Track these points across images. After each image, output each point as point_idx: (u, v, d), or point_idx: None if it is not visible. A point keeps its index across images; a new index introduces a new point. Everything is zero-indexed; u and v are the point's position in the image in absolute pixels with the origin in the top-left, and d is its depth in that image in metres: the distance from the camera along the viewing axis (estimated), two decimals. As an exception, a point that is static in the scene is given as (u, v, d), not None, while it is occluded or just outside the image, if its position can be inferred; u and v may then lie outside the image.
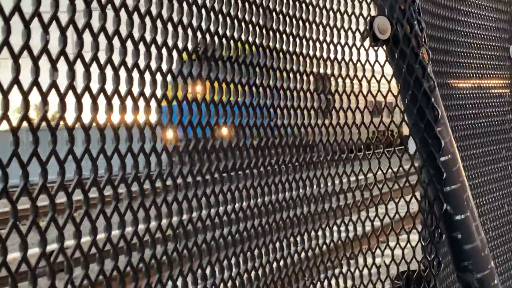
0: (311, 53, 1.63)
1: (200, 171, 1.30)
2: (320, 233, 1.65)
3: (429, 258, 1.82)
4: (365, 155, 1.75)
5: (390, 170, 1.81)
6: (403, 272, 1.83)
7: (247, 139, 1.52)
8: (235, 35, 1.44)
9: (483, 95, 2.35)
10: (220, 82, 1.38)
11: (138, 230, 1.13)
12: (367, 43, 1.76)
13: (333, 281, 1.67)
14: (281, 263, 1.56)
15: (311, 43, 1.61)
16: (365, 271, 1.75)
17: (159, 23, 1.21)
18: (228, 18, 1.41)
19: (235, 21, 1.43)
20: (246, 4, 1.46)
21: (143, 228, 1.13)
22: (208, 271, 1.36)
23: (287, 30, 1.59)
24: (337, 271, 1.72)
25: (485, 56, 2.37)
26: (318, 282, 1.63)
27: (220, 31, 1.42)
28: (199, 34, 1.30)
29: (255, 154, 1.52)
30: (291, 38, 1.58)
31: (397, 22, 1.77)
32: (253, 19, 1.48)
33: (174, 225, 1.23)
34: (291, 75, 1.60)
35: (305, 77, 1.64)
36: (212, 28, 1.35)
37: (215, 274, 1.36)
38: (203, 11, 1.31)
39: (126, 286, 1.08)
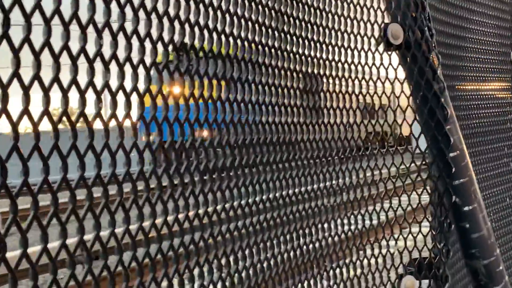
0: (330, 57, 1.65)
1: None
2: (339, 222, 1.67)
3: (439, 246, 1.82)
4: (380, 151, 1.76)
5: (402, 166, 1.83)
6: (415, 259, 1.82)
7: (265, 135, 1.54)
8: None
9: (487, 96, 2.36)
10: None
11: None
12: (381, 48, 1.76)
13: (351, 267, 1.69)
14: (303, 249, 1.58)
15: (330, 48, 1.63)
16: (380, 259, 1.77)
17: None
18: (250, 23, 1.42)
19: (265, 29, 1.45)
20: (273, 12, 1.47)
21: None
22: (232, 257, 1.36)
23: (309, 36, 1.61)
24: (354, 258, 1.73)
25: (489, 60, 2.37)
26: (338, 267, 1.65)
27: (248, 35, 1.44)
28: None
29: (277, 149, 1.55)
30: (312, 44, 1.59)
31: (409, 28, 1.77)
32: (280, 26, 1.50)
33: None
34: (313, 78, 1.62)
35: (325, 80, 1.66)
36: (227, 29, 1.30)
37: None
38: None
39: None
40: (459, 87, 2.10)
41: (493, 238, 1.90)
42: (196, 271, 1.17)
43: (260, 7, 1.41)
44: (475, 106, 2.19)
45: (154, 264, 1.08)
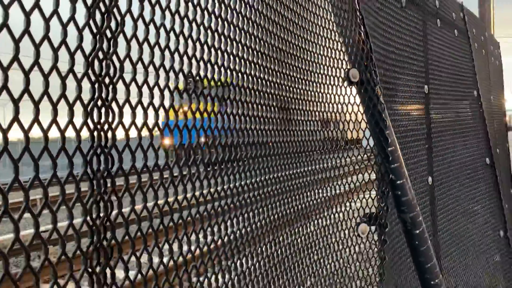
0: (314, 90, 1.78)
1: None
2: (319, 192, 1.79)
3: (381, 205, 1.91)
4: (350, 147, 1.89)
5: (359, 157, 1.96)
6: (366, 213, 1.91)
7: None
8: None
9: (409, 113, 2.49)
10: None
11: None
12: (345, 83, 1.86)
13: (326, 219, 1.81)
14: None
15: (312, 84, 1.71)
16: (346, 214, 1.88)
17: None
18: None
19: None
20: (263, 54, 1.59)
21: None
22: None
23: (298, 76, 1.72)
24: (327, 214, 1.85)
25: (411, 91, 2.50)
26: (319, 219, 1.75)
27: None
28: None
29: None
30: (302, 81, 1.67)
31: (363, 72, 1.85)
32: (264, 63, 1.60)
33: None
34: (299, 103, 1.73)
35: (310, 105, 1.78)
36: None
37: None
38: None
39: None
40: (393, 107, 2.17)
41: (415, 200, 1.97)
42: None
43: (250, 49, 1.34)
44: (402, 120, 2.30)
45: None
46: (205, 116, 1.11)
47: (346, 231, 1.85)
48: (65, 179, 0.74)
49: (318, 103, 1.77)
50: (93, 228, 0.78)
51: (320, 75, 1.79)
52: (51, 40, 0.67)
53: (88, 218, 0.78)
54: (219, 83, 1.17)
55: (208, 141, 1.13)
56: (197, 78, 1.08)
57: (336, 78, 1.85)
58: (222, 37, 1.18)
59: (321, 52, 1.80)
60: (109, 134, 0.76)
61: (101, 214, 0.76)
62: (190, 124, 1.03)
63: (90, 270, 0.76)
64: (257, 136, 1.41)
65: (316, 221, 1.76)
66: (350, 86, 1.88)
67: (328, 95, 1.82)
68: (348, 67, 1.88)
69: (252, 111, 1.38)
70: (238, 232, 1.27)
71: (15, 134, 0.67)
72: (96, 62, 0.73)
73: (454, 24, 3.24)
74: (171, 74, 0.91)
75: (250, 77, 1.35)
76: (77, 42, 0.68)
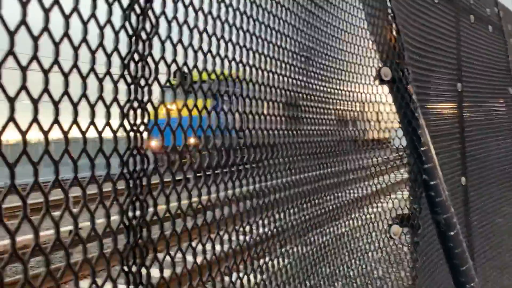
0: (348, 89, 1.76)
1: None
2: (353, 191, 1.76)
3: (414, 206, 1.86)
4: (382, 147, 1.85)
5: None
6: (398, 214, 1.87)
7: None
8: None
9: (443, 112, 2.45)
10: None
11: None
12: (377, 82, 1.84)
13: (359, 219, 1.79)
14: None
15: (347, 84, 1.73)
16: (378, 214, 1.85)
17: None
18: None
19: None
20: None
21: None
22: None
23: (333, 76, 1.71)
24: (361, 213, 1.82)
25: (444, 89, 2.43)
26: (350, 220, 1.72)
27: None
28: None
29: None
30: (338, 81, 1.69)
31: (394, 70, 1.83)
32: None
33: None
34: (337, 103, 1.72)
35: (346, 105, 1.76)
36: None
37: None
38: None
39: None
40: (426, 106, 2.13)
41: (449, 202, 1.93)
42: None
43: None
44: (436, 118, 2.27)
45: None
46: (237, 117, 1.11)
47: (378, 233, 1.81)
48: (102, 179, 0.75)
49: (349, 102, 1.75)
50: (129, 228, 0.79)
51: (351, 74, 1.76)
52: (88, 42, 0.68)
53: (125, 217, 0.79)
54: (251, 83, 1.17)
55: (242, 142, 1.13)
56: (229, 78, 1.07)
57: (367, 77, 1.82)
58: (254, 38, 1.17)
59: (352, 51, 1.77)
60: (145, 135, 0.77)
61: (137, 214, 0.77)
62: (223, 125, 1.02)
63: (126, 269, 0.76)
64: (288, 137, 1.40)
65: (347, 222, 1.74)
66: (382, 85, 1.84)
67: (359, 94, 1.78)
68: (380, 65, 1.85)
69: (283, 111, 1.37)
70: (270, 232, 1.26)
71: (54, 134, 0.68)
72: (132, 64, 0.73)
73: (489, 20, 3.14)
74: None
75: (281, 77, 1.34)
76: (114, 44, 0.69)
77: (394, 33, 1.91)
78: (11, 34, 0.58)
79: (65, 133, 0.64)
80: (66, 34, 0.64)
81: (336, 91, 1.69)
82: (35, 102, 0.61)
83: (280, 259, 1.32)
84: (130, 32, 0.74)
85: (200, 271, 0.96)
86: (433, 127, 2.15)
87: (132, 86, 0.73)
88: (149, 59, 0.76)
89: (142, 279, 0.79)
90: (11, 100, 0.59)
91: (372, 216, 1.80)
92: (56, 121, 0.63)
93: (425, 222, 1.93)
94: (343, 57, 1.76)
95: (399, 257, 1.89)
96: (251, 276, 1.18)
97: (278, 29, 1.34)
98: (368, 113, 1.77)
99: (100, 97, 0.68)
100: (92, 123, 0.69)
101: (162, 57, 0.75)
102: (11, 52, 0.58)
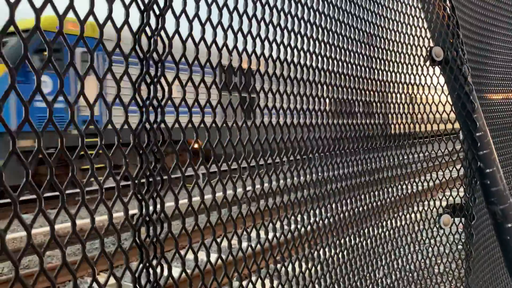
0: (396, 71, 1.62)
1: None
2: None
3: (468, 196, 1.74)
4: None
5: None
6: (450, 204, 1.77)
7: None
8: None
9: (500, 96, 2.25)
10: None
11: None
12: (428, 63, 1.71)
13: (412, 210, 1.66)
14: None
15: (398, 65, 1.59)
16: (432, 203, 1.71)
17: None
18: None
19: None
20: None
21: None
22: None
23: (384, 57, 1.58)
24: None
25: (502, 71, 2.23)
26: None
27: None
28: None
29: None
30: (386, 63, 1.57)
31: (448, 49, 1.69)
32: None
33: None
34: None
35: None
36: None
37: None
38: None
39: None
40: (483, 89, 1.98)
41: (507, 192, 1.79)
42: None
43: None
44: (494, 103, 2.10)
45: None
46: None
47: (427, 222, 1.70)
48: (121, 175, 0.68)
49: (400, 86, 1.62)
50: (149, 223, 0.71)
51: (400, 54, 1.63)
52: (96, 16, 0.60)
53: (144, 212, 0.72)
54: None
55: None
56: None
57: (417, 58, 1.67)
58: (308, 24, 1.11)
59: (401, 30, 1.63)
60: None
61: (158, 209, 0.70)
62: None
63: (147, 263, 0.69)
64: (344, 131, 1.36)
65: (398, 213, 1.63)
66: (433, 66, 1.71)
67: (409, 76, 1.65)
68: (431, 45, 1.71)
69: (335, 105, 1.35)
70: (321, 221, 1.24)
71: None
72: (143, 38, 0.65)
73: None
74: (224, 51, 0.82)
75: (335, 61, 1.30)
76: (124, 18, 0.61)
77: (448, 10, 1.77)
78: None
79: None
80: (71, 7, 0.56)
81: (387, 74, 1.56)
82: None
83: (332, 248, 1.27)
84: (142, 7, 0.65)
85: (225, 266, 0.88)
86: (490, 111, 2.01)
87: (144, 61, 0.65)
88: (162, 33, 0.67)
89: (163, 273, 0.72)
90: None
91: (422, 206, 1.69)
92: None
93: (480, 213, 1.81)
94: (392, 37, 1.62)
95: (450, 249, 1.77)
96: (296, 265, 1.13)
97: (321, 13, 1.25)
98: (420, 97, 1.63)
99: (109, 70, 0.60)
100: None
101: (177, 31, 0.66)
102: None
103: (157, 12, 0.65)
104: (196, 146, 0.76)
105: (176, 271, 0.77)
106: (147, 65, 0.64)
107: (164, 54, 0.65)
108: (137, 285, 0.64)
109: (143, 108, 0.64)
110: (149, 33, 0.64)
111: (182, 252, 0.75)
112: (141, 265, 0.67)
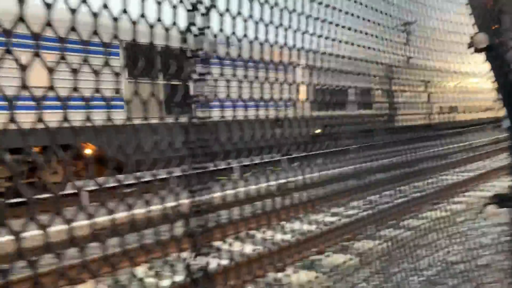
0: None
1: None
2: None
3: None
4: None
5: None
6: (496, 194, 1.71)
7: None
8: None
9: None
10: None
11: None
12: (471, 50, 1.68)
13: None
14: None
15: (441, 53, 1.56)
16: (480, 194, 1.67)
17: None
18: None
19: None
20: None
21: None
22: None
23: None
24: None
25: None
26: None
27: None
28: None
29: None
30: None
31: (492, 36, 1.68)
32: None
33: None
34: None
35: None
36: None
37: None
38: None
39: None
40: None
41: None
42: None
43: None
44: None
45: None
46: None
47: (471, 212, 1.66)
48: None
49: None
50: (198, 214, 0.73)
51: (439, 42, 1.60)
52: None
53: (195, 202, 0.74)
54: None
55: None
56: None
57: (459, 45, 1.63)
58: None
59: (441, 17, 1.60)
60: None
61: (203, 204, 0.71)
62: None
63: (191, 255, 0.71)
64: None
65: (441, 203, 1.60)
66: (476, 53, 1.63)
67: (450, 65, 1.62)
68: (474, 31, 1.63)
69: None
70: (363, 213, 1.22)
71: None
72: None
73: None
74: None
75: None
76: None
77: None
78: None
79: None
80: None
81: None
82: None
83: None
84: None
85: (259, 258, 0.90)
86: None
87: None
88: None
89: (206, 265, 0.74)
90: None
91: (467, 196, 1.65)
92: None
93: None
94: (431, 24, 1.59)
95: (497, 240, 1.72)
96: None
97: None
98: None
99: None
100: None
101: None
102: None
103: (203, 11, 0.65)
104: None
105: (222, 260, 0.78)
106: (195, 62, 0.65)
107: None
108: (188, 272, 0.66)
109: (191, 105, 0.66)
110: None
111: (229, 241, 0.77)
112: (192, 253, 0.69)
